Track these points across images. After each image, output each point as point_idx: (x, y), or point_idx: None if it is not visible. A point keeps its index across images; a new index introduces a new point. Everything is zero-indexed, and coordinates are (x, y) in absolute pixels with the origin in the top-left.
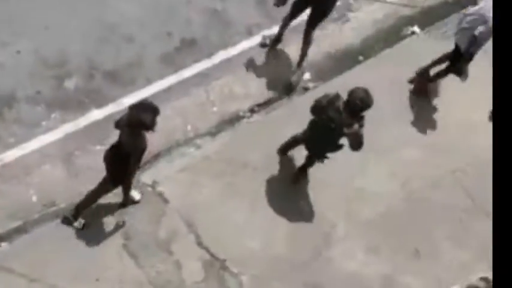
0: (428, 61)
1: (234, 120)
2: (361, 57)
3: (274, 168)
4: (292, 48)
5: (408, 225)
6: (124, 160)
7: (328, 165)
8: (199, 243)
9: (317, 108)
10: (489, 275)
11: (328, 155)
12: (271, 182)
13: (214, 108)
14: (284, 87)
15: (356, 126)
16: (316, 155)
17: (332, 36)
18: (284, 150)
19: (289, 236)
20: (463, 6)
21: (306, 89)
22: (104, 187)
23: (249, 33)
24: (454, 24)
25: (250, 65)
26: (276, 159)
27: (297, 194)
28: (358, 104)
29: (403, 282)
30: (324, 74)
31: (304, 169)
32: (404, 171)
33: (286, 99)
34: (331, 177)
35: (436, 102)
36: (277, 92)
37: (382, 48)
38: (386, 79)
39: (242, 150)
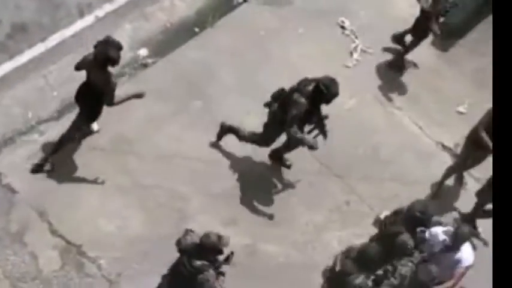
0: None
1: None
2: (196, 29)
3: (121, 149)
4: (127, 26)
5: (262, 194)
6: (96, 97)
7: (173, 138)
8: (53, 231)
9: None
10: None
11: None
12: (120, 163)
13: (55, 93)
14: None
15: (303, 100)
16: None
17: (165, 9)
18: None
19: (145, 215)
20: None
21: (145, 66)
22: (75, 126)
23: (81, 14)
24: None
25: (86, 45)
26: (122, 139)
27: (147, 171)
28: (321, 88)
29: (264, 250)
30: (161, 49)
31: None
32: None
33: (127, 78)
34: (178, 150)
35: (272, 68)
36: (116, 71)
37: (216, 19)
38: (224, 50)
39: None
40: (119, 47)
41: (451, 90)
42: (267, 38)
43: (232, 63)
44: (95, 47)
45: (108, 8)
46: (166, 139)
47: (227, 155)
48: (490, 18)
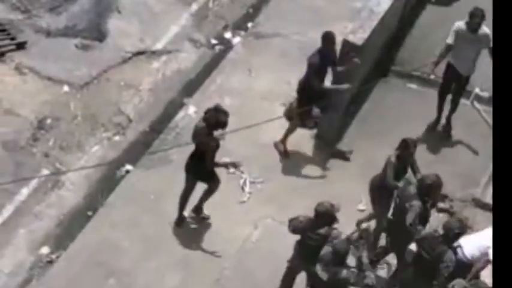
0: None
1: None
2: (90, 213)
3: None
4: (21, 231)
5: None
6: (200, 158)
7: None
8: None
9: None
10: None
11: None
12: None
13: None
14: None
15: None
16: None
17: (53, 204)
18: None
19: None
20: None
21: (50, 262)
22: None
23: None
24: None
25: None
26: None
27: None
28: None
29: None
30: (62, 241)
31: None
32: None
33: (36, 280)
34: None
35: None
36: (24, 276)
37: (105, 197)
38: (122, 223)
39: None
40: (226, 113)
41: (346, 192)
42: (158, 200)
43: (134, 234)
44: (205, 112)
45: None
46: None
47: None
48: (359, 117)
